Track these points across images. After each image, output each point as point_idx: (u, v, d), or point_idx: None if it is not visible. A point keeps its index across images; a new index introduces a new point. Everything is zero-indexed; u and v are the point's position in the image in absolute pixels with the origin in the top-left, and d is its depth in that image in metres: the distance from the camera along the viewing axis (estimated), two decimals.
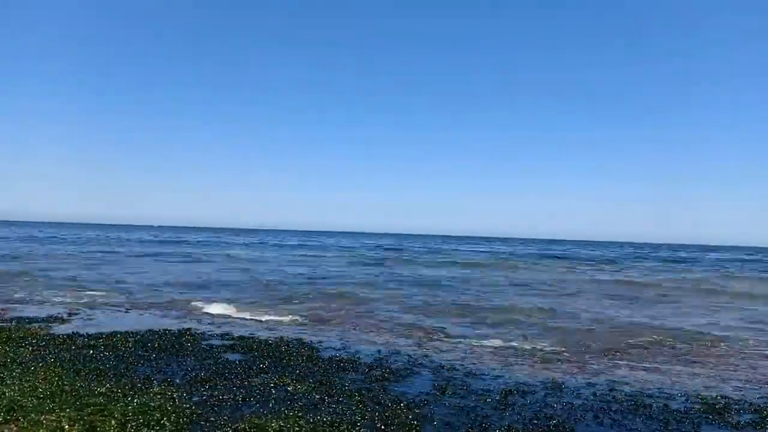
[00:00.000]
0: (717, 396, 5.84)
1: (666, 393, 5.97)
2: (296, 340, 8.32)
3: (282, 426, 4.31)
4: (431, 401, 5.30)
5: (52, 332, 8.17)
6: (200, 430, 4.24)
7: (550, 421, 4.81)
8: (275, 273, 22.59)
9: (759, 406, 5.50)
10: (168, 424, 4.25)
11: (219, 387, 5.46)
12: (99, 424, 4.13)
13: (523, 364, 7.35)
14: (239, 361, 6.67)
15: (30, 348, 6.86)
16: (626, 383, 6.39)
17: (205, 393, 5.24)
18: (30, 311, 10.58)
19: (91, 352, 6.84)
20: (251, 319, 10.75)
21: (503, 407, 5.19)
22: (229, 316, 11.08)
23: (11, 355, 6.40)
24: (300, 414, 4.67)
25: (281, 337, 8.47)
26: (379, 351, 7.82)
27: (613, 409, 5.28)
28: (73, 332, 8.18)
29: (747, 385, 6.51)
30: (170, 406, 4.67)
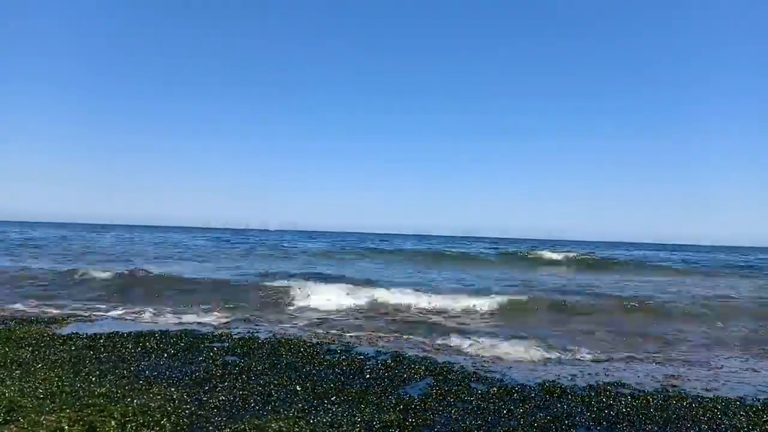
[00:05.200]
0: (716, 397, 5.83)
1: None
2: (297, 340, 8.31)
3: (282, 427, 4.31)
4: (432, 403, 5.29)
5: (52, 332, 8.17)
6: (200, 431, 4.25)
7: (551, 423, 4.81)
8: None
9: (757, 407, 5.49)
10: (168, 424, 4.25)
11: (219, 387, 5.47)
12: (99, 424, 4.13)
13: (526, 365, 7.34)
14: (239, 362, 6.67)
15: (30, 348, 6.87)
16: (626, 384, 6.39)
17: (205, 393, 5.24)
18: (31, 312, 10.58)
19: (91, 352, 6.84)
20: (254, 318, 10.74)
21: (505, 409, 5.19)
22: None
23: (11, 355, 6.40)
24: (300, 415, 4.67)
25: (282, 338, 8.47)
26: (379, 351, 7.82)
27: (614, 410, 5.27)
28: (72, 332, 8.19)
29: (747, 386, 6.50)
30: (170, 406, 4.68)
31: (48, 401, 4.63)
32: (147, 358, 6.68)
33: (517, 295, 14.76)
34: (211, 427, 4.31)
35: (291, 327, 10.19)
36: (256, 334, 8.81)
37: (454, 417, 4.91)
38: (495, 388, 5.85)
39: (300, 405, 5.00)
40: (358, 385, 5.81)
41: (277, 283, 15.75)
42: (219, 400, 5.02)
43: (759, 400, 5.85)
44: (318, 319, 11.46)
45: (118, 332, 8.29)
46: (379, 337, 9.36)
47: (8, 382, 5.18)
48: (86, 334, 8.11)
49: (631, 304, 13.71)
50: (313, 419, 4.57)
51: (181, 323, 10.00)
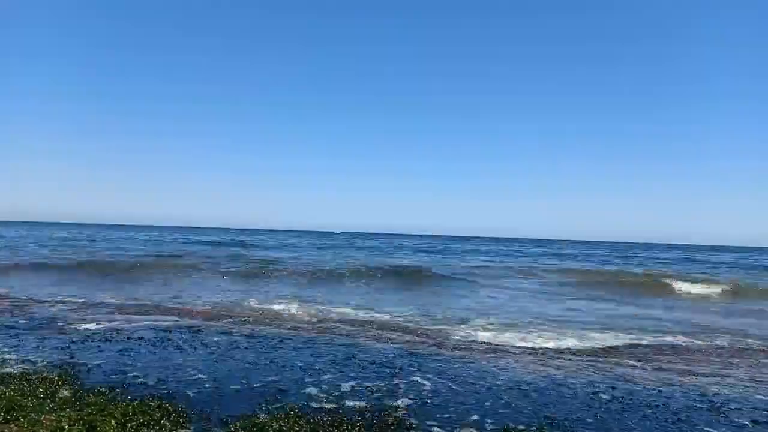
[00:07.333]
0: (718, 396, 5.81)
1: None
2: (300, 338, 8.33)
3: (282, 425, 4.31)
4: (433, 402, 5.29)
5: None
6: (200, 430, 4.24)
7: (551, 421, 4.80)
8: None
9: (761, 406, 5.47)
10: (168, 424, 4.25)
11: (219, 387, 5.47)
12: (99, 424, 4.13)
13: (528, 362, 7.34)
14: (241, 359, 6.68)
15: None
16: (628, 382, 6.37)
17: (205, 393, 5.24)
18: (32, 310, 10.62)
19: None
20: (256, 315, 10.76)
21: (506, 406, 5.18)
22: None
23: None
24: (300, 414, 4.67)
25: (285, 335, 8.48)
26: (381, 350, 7.82)
27: (614, 408, 5.26)
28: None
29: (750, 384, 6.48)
30: (170, 405, 4.67)
31: (48, 400, 4.63)
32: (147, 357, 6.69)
33: None
34: (211, 426, 4.31)
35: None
36: (258, 331, 8.81)
37: (455, 416, 4.90)
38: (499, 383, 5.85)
39: (300, 403, 5.00)
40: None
41: None
42: (220, 399, 5.02)
43: None
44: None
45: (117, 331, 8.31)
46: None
47: (8, 382, 5.19)
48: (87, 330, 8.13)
49: None
50: (313, 419, 4.56)
51: (180, 322, 10.00)
